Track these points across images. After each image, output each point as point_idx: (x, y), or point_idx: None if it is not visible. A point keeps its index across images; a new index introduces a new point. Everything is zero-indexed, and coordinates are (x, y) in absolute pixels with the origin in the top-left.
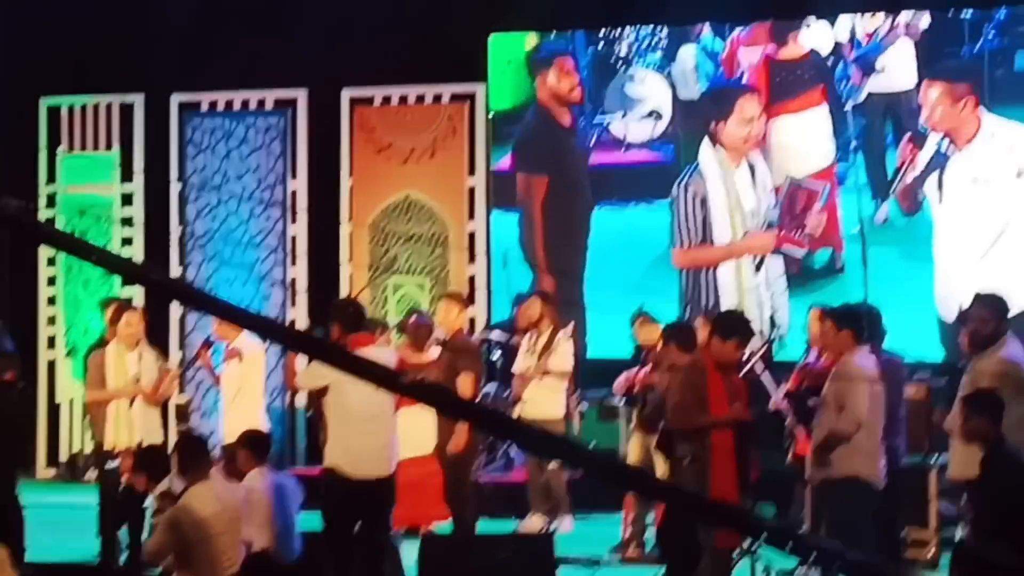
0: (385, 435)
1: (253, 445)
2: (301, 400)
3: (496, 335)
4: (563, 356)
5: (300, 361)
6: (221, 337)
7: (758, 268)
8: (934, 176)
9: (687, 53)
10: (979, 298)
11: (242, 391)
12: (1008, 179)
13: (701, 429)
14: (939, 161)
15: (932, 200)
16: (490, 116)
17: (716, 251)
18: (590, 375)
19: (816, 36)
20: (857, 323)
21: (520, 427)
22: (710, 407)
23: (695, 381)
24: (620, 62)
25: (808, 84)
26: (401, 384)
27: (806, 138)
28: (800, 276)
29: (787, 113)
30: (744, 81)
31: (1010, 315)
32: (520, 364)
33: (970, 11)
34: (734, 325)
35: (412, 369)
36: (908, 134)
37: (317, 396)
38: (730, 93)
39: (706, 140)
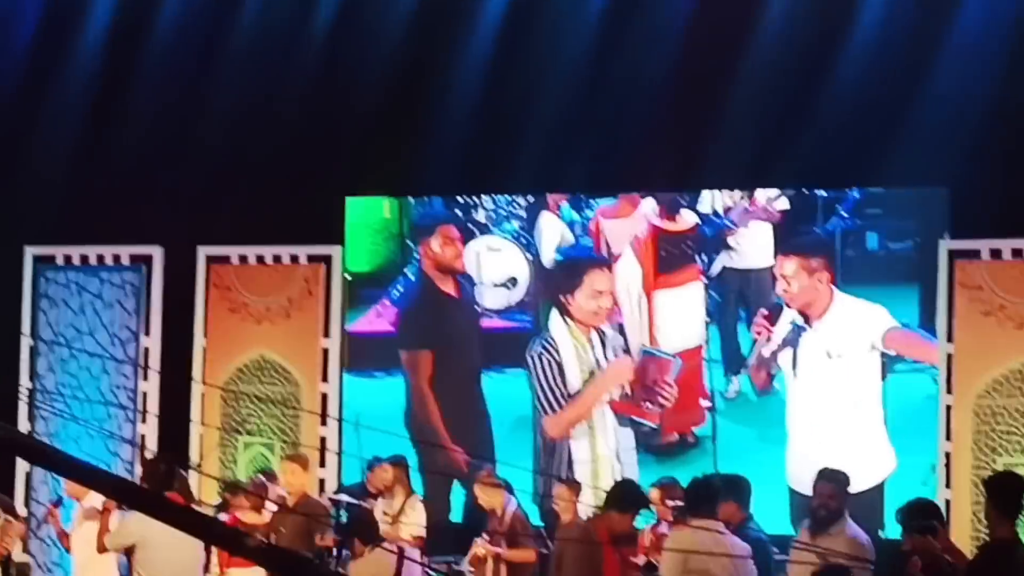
0: None
1: None
2: None
3: (346, 498)
4: (415, 521)
5: (113, 520)
6: (73, 495)
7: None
8: (788, 350)
9: (546, 222)
10: (823, 474)
11: (95, 552)
12: (861, 353)
13: None
14: (794, 335)
15: (786, 374)
16: (347, 278)
17: (584, 400)
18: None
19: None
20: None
21: None
22: None
23: (590, 555)
24: (477, 229)
25: (688, 259)
26: (247, 546)
27: (681, 315)
28: (653, 448)
29: (667, 287)
30: (611, 253)
31: (859, 490)
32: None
33: (823, 192)
34: (633, 497)
35: (247, 529)
36: (763, 309)
37: (127, 556)
38: (580, 265)
39: (555, 311)
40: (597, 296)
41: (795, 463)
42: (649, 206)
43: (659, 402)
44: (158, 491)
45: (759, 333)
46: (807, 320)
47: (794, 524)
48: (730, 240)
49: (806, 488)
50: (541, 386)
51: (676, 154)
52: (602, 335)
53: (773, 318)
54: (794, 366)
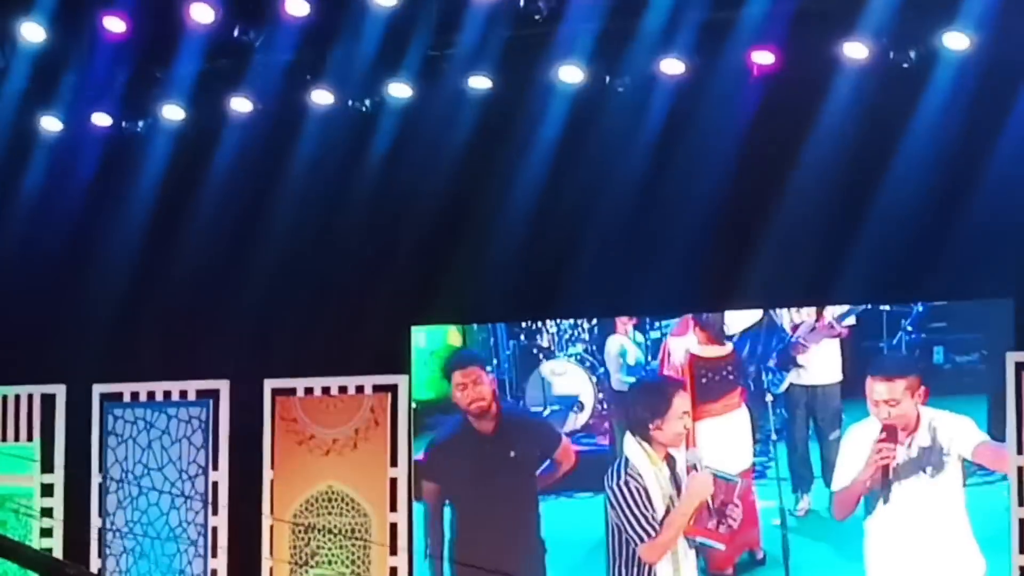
0: None
1: None
2: None
3: None
4: None
5: None
6: None
7: None
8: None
9: (614, 344)
10: None
11: None
12: (950, 466)
13: None
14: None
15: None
16: (413, 407)
17: (674, 521)
18: None
19: (737, 327)
20: None
21: None
22: None
23: None
24: (541, 353)
25: (730, 385)
26: None
27: (728, 441)
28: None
29: (710, 416)
30: (671, 375)
31: None
32: None
33: (887, 307)
34: None
35: None
36: (882, 432)
37: None
38: (664, 388)
39: (629, 436)
40: (683, 417)
41: None
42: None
43: (728, 523)
44: None
45: (883, 456)
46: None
47: None
48: (799, 358)
49: None
50: (633, 514)
51: (735, 273)
52: (671, 458)
53: (887, 442)
54: (886, 486)
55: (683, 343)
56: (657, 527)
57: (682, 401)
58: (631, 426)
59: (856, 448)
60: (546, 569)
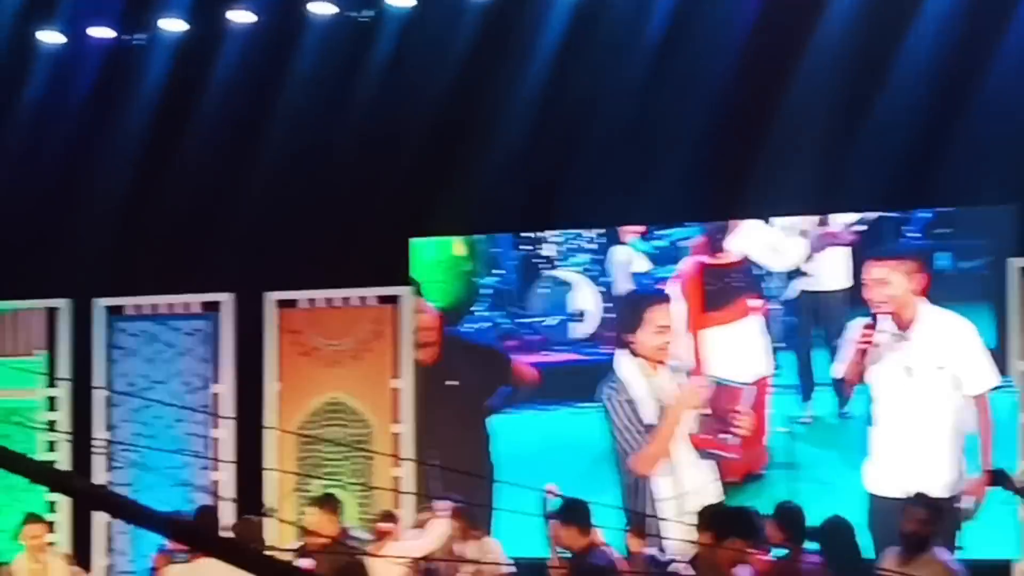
0: None
1: None
2: None
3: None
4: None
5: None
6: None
7: None
8: (882, 361)
9: (618, 254)
10: (920, 498)
11: None
12: (952, 366)
13: None
14: (888, 345)
15: (875, 386)
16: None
17: (663, 432)
18: None
19: (748, 239)
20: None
21: None
22: None
23: None
24: (545, 263)
25: (740, 292)
26: None
27: (736, 349)
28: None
29: (718, 324)
30: (674, 283)
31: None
32: None
33: (893, 213)
34: (754, 525)
35: None
36: (867, 320)
37: None
38: (637, 303)
39: (620, 351)
40: (660, 333)
41: (877, 471)
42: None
43: (734, 432)
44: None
45: (864, 342)
46: (898, 328)
47: (873, 532)
48: (804, 267)
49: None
50: (619, 427)
51: (743, 182)
52: (669, 368)
53: (873, 328)
54: (879, 380)
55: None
56: (643, 439)
57: (660, 315)
58: (617, 339)
59: (849, 340)
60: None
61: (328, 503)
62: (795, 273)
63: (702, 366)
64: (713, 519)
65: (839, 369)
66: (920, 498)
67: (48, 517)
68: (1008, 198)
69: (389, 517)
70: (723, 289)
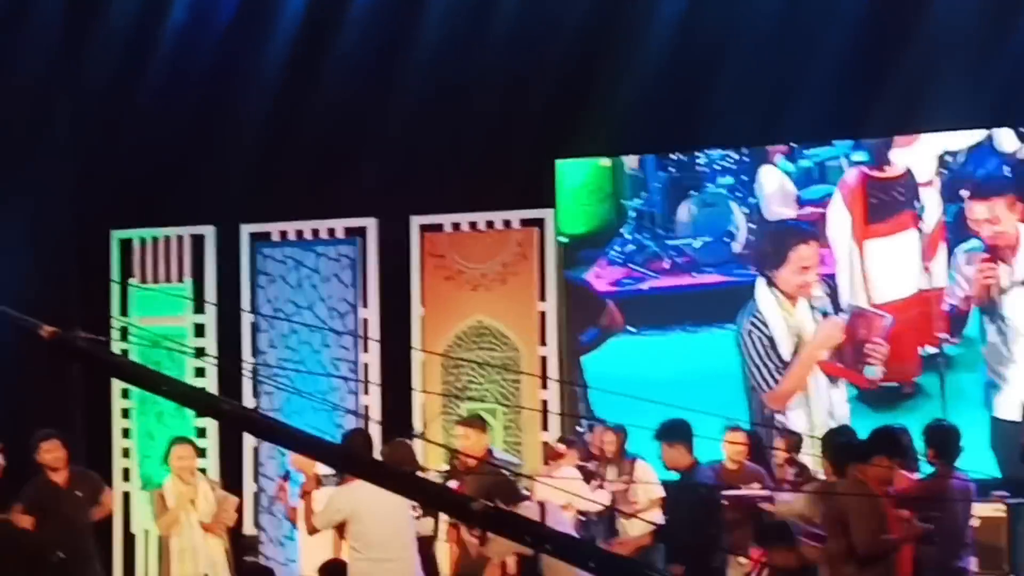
0: (408, 562)
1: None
2: None
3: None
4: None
5: (317, 502)
6: (299, 468)
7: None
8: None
9: (767, 176)
10: None
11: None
12: None
13: (889, 552)
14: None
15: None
16: (562, 241)
17: (798, 370)
18: None
19: (911, 154)
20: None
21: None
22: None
23: (873, 504)
24: (692, 185)
25: (902, 206)
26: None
27: (894, 263)
28: (869, 399)
29: (879, 236)
30: (837, 196)
31: None
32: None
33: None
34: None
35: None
36: (983, 254)
37: (339, 532)
38: (783, 238)
39: (761, 281)
40: (803, 272)
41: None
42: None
43: (870, 362)
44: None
45: (986, 276)
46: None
47: (997, 452)
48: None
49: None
50: (755, 363)
51: (886, 100)
52: (810, 301)
53: (994, 259)
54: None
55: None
56: (778, 376)
57: (805, 253)
58: (759, 270)
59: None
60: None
61: (476, 423)
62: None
63: (866, 280)
64: (859, 441)
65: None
66: None
67: (197, 442)
68: None
69: (564, 441)
70: (886, 202)
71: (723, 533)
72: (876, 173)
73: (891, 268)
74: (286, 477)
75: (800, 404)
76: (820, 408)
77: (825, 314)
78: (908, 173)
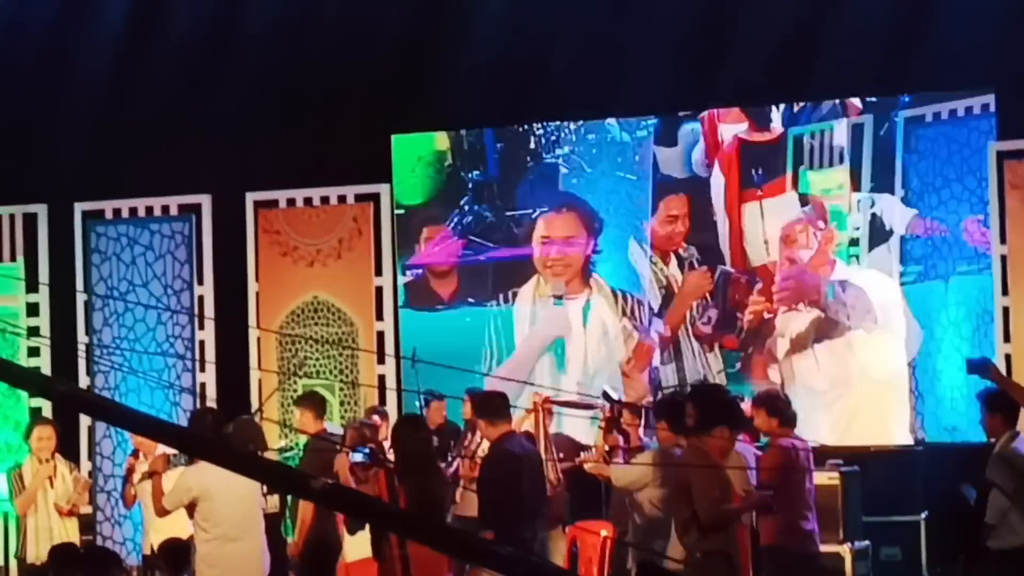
0: (256, 540)
1: (169, 557)
2: None
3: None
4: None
5: (166, 481)
6: (141, 449)
7: None
8: None
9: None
10: None
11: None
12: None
13: (730, 521)
14: None
15: None
16: (398, 214)
17: (668, 320)
18: None
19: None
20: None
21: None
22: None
23: (715, 474)
24: (529, 156)
25: (778, 170)
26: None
27: (773, 225)
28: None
29: (755, 200)
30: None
31: None
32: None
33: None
34: (740, 413)
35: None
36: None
37: (188, 512)
38: (656, 190)
39: (631, 239)
40: (672, 222)
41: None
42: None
43: (740, 326)
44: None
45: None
46: None
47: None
48: None
49: None
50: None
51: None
52: (679, 256)
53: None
54: None
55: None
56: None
57: (675, 204)
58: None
59: None
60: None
61: (311, 401)
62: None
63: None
64: (699, 407)
65: None
66: None
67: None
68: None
69: (375, 411)
70: (763, 166)
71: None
72: (753, 137)
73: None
74: (136, 455)
75: (670, 360)
76: (692, 366)
77: (693, 266)
78: (784, 136)
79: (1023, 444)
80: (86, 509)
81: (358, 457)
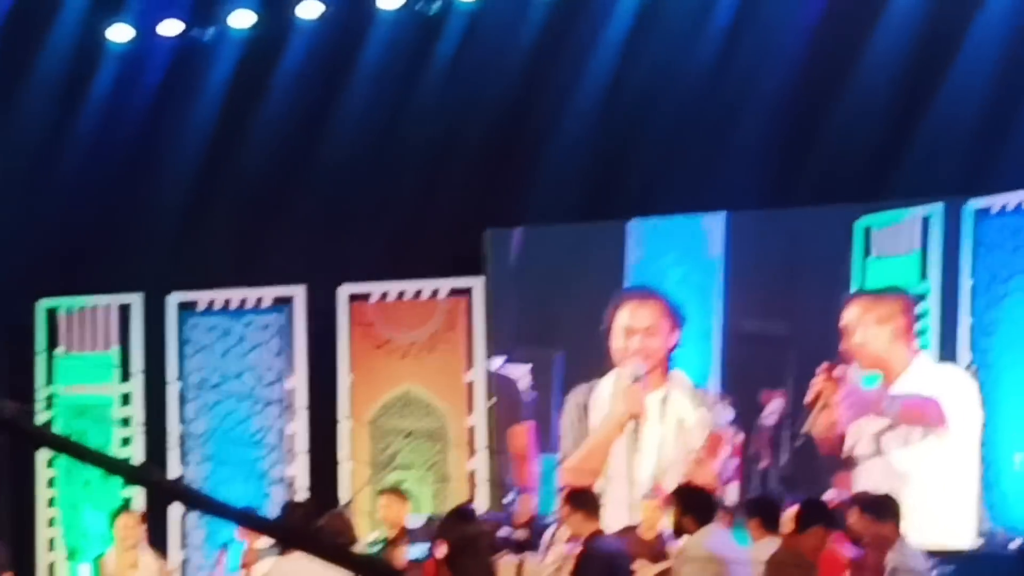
0: None
1: None
2: None
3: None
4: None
5: (255, 574)
6: (244, 537)
7: None
8: None
9: None
10: None
11: None
12: None
13: None
14: None
15: None
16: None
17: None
18: None
19: None
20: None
21: None
22: None
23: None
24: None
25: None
26: None
27: None
28: None
29: None
30: None
31: None
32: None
33: None
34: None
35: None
36: None
37: None
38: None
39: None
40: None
41: None
42: None
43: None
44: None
45: None
46: None
47: None
48: None
49: None
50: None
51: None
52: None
53: None
54: None
55: None
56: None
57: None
58: None
59: None
60: None
61: (397, 491)
62: None
63: None
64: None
65: None
66: None
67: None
68: None
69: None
70: None
71: None
72: None
73: None
74: (224, 548)
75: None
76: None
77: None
78: None
79: None
80: None
81: (416, 553)
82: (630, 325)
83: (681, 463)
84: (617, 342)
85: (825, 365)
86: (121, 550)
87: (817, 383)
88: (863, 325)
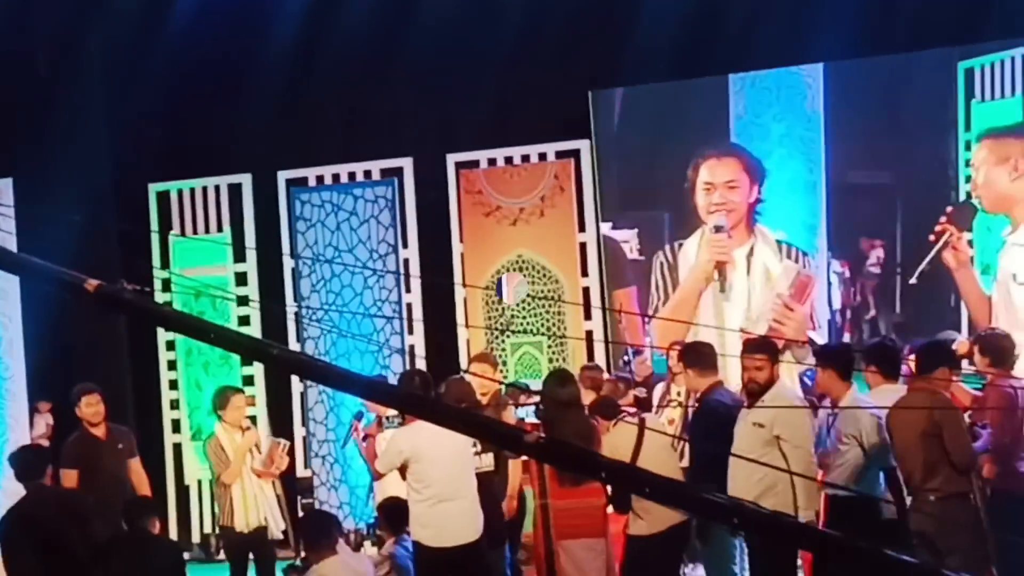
0: (469, 501)
1: (388, 515)
2: None
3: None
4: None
5: (379, 445)
6: (371, 408)
7: None
8: None
9: None
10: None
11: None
12: None
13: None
14: None
15: None
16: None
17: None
18: None
19: None
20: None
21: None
22: None
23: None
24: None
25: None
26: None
27: None
28: None
29: None
30: None
31: None
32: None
33: None
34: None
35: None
36: None
37: (401, 474)
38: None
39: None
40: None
41: None
42: None
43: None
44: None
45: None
46: None
47: None
48: None
49: None
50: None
51: None
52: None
53: None
54: None
55: None
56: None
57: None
58: None
59: None
60: None
61: (487, 358)
62: None
63: None
64: (920, 350)
65: None
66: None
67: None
68: None
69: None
70: None
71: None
72: None
73: None
74: (359, 417)
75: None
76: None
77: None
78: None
79: None
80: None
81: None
82: (710, 180)
83: (769, 311)
84: (700, 199)
85: (950, 209)
86: (235, 430)
87: (941, 224)
88: (986, 165)
